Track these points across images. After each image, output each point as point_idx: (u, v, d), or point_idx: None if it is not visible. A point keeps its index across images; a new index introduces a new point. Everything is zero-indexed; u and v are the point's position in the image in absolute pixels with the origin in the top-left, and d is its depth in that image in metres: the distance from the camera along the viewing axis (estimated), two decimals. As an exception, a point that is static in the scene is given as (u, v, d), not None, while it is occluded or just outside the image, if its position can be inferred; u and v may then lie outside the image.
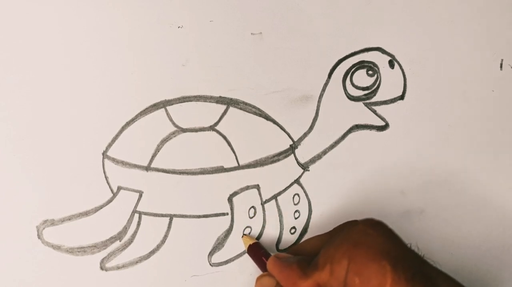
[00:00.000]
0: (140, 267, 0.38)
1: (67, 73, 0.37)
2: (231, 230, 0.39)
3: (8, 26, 0.36)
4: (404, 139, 0.42)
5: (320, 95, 0.41)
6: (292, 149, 0.40)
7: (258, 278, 0.36)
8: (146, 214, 0.38)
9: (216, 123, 0.39)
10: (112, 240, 0.38)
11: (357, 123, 0.41)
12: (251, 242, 0.38)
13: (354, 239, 0.31)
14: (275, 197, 0.40)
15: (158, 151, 0.38)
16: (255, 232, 0.40)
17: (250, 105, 0.40)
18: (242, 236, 0.39)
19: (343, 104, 0.41)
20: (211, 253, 0.39)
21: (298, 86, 0.40)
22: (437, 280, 0.30)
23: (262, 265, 0.37)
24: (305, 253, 0.36)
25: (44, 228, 0.36)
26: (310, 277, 0.32)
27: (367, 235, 0.31)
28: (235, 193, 0.39)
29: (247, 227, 0.40)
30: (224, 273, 0.40)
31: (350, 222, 0.35)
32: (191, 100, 0.39)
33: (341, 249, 0.31)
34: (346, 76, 0.41)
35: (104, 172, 0.37)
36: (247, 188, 0.40)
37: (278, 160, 0.40)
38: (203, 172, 0.39)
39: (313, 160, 0.41)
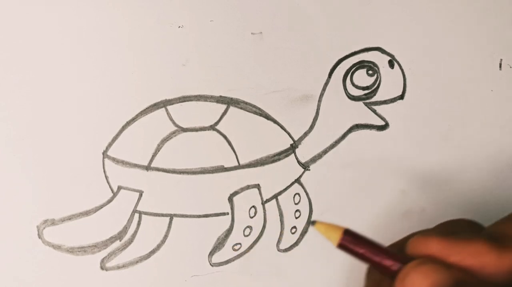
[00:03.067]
0: (140, 266, 0.38)
1: (67, 73, 0.37)
2: (232, 230, 0.39)
3: (8, 26, 0.36)
4: (404, 139, 0.42)
5: (320, 95, 0.41)
6: (292, 148, 0.40)
7: (413, 271, 0.24)
8: (146, 213, 0.38)
9: (217, 123, 0.39)
10: (112, 239, 0.38)
11: (357, 123, 0.41)
12: (339, 232, 0.26)
13: None
14: (275, 196, 0.40)
15: (159, 151, 0.38)
16: (256, 231, 0.40)
17: (250, 104, 0.40)
18: (314, 224, 0.27)
19: (344, 103, 0.41)
20: (211, 253, 0.39)
21: (299, 86, 0.40)
22: None
23: (380, 254, 0.26)
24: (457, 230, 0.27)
25: (44, 228, 0.36)
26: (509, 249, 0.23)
27: None
28: (235, 193, 0.39)
29: (247, 226, 0.40)
30: (225, 273, 0.40)
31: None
32: (191, 100, 0.39)
33: None
34: (346, 76, 0.41)
35: (104, 172, 0.37)
36: (248, 187, 0.40)
37: (279, 159, 0.40)
38: (204, 171, 0.39)
39: (313, 159, 0.41)
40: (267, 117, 0.40)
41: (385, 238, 0.42)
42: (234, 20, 0.40)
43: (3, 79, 0.36)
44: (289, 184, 0.40)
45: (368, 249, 0.26)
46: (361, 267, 0.41)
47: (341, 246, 0.26)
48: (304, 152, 0.41)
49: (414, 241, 0.26)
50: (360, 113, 0.41)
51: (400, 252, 0.27)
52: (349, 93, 0.41)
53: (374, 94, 0.42)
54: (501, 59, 0.43)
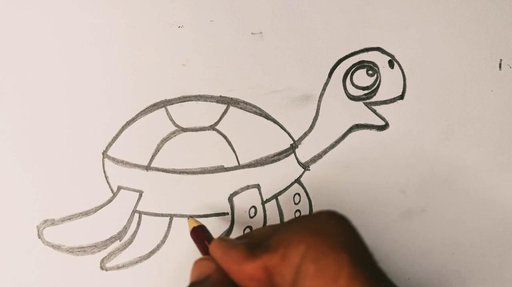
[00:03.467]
0: (140, 267, 0.38)
1: (67, 74, 0.37)
2: (232, 230, 0.39)
3: (8, 27, 0.36)
4: (404, 139, 0.42)
5: (320, 95, 0.41)
6: (292, 148, 0.40)
7: (197, 261, 0.32)
8: (146, 213, 0.38)
9: (217, 123, 0.39)
10: (112, 239, 0.38)
11: (357, 123, 0.41)
12: (196, 224, 0.36)
13: (316, 226, 0.28)
14: (275, 196, 0.40)
15: (158, 151, 0.38)
16: (256, 231, 0.40)
17: (250, 104, 0.40)
18: (188, 218, 0.37)
19: (343, 104, 0.41)
20: (211, 253, 0.39)
21: (298, 85, 0.40)
22: None
23: (204, 249, 0.34)
24: (255, 240, 0.32)
25: (44, 228, 0.36)
26: (259, 258, 0.28)
27: (330, 225, 0.29)
28: (235, 193, 0.39)
29: (247, 226, 0.40)
30: (225, 273, 0.40)
31: (309, 215, 0.32)
32: (191, 100, 0.39)
33: (300, 233, 0.28)
34: (346, 76, 0.41)
35: (104, 172, 0.37)
36: (248, 187, 0.40)
37: (279, 159, 0.40)
38: (203, 171, 0.39)
39: (313, 159, 0.41)
40: (267, 117, 0.40)
41: (385, 237, 0.42)
42: (234, 20, 0.40)
43: (4, 79, 0.36)
44: (289, 184, 0.40)
45: (201, 242, 0.34)
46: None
47: (191, 233, 0.36)
48: (304, 152, 0.41)
49: (212, 242, 0.32)
50: (360, 113, 0.41)
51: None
52: (349, 93, 0.41)
53: (374, 94, 0.42)
54: (501, 60, 0.43)
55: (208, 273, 0.30)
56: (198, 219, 0.39)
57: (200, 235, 0.35)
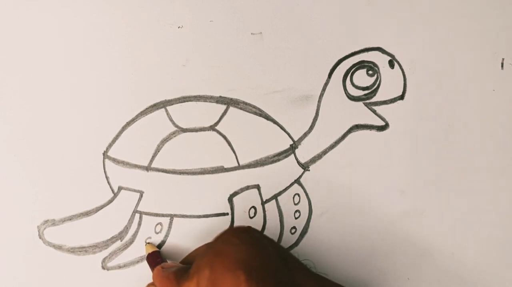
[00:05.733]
0: (141, 266, 0.38)
1: (68, 74, 0.37)
2: (232, 230, 0.40)
3: (8, 27, 0.36)
4: (404, 139, 0.42)
5: (320, 95, 0.41)
6: (292, 148, 0.40)
7: (147, 286, 0.37)
8: (146, 214, 0.38)
9: (216, 123, 0.39)
10: (113, 239, 0.38)
11: (357, 123, 0.41)
12: (151, 250, 0.37)
13: (216, 248, 0.30)
14: (275, 197, 0.40)
15: (158, 151, 0.38)
16: (255, 231, 0.40)
17: (250, 105, 0.40)
18: (146, 244, 0.38)
19: (343, 104, 0.41)
20: (211, 253, 0.39)
21: (298, 86, 0.40)
22: None
23: None
24: (192, 262, 0.35)
25: (45, 228, 0.36)
26: (182, 286, 0.31)
27: (229, 244, 0.30)
28: (235, 193, 0.39)
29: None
30: (225, 273, 0.40)
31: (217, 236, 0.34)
32: (191, 100, 0.39)
33: (206, 257, 0.29)
34: (346, 76, 0.41)
35: (105, 172, 0.38)
36: (247, 188, 0.40)
37: (278, 160, 0.40)
38: (203, 172, 0.39)
39: (313, 160, 0.41)
40: (267, 117, 0.40)
41: (384, 237, 0.42)
42: (234, 20, 0.39)
43: (4, 80, 0.36)
44: (289, 184, 0.40)
45: (154, 268, 0.36)
46: (361, 268, 0.42)
47: (147, 258, 0.38)
48: (304, 152, 0.41)
49: (154, 271, 0.35)
50: (360, 113, 0.41)
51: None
52: (349, 94, 0.41)
53: (374, 95, 0.41)
54: (503, 59, 0.43)
55: None
56: (198, 219, 0.39)
57: (154, 260, 0.37)
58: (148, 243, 0.38)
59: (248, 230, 0.31)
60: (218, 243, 0.30)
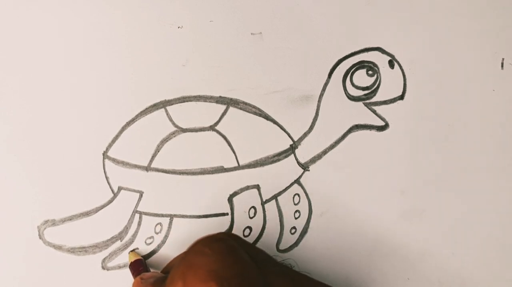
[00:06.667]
0: (141, 266, 0.38)
1: (68, 74, 0.37)
2: (231, 230, 0.40)
3: (8, 27, 0.36)
4: (404, 139, 0.42)
5: (320, 95, 0.41)
6: (292, 148, 0.40)
7: None
8: (146, 214, 0.38)
9: (216, 123, 0.39)
10: (113, 239, 0.38)
11: (357, 123, 0.41)
12: (134, 258, 0.37)
13: (188, 259, 0.30)
14: (275, 197, 0.40)
15: (158, 151, 0.38)
16: (255, 232, 0.40)
17: (250, 105, 0.40)
18: (129, 251, 0.38)
19: (343, 104, 0.41)
20: (211, 253, 0.39)
21: (298, 86, 0.40)
22: None
23: None
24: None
25: (45, 228, 0.37)
26: None
27: (202, 255, 0.30)
28: (235, 193, 0.39)
29: (247, 227, 0.40)
30: (225, 273, 0.40)
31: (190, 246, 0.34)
32: (191, 100, 0.39)
33: (179, 269, 0.29)
34: (346, 76, 0.41)
35: (105, 172, 0.38)
36: (247, 188, 0.40)
37: (278, 160, 0.40)
38: (203, 172, 0.39)
39: (313, 160, 0.41)
40: (267, 117, 0.40)
41: (384, 238, 0.42)
42: (234, 20, 0.39)
43: (4, 79, 0.36)
44: (288, 184, 0.40)
45: (135, 273, 0.36)
46: (361, 268, 0.42)
47: (130, 266, 0.37)
48: (304, 152, 0.41)
49: (134, 281, 0.35)
50: (360, 113, 0.41)
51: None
52: (349, 94, 0.41)
53: (374, 95, 0.41)
54: (503, 59, 0.43)
55: None
56: (198, 219, 0.39)
57: (136, 269, 0.37)
58: (131, 251, 0.38)
59: (221, 238, 0.31)
60: (190, 254, 0.30)
